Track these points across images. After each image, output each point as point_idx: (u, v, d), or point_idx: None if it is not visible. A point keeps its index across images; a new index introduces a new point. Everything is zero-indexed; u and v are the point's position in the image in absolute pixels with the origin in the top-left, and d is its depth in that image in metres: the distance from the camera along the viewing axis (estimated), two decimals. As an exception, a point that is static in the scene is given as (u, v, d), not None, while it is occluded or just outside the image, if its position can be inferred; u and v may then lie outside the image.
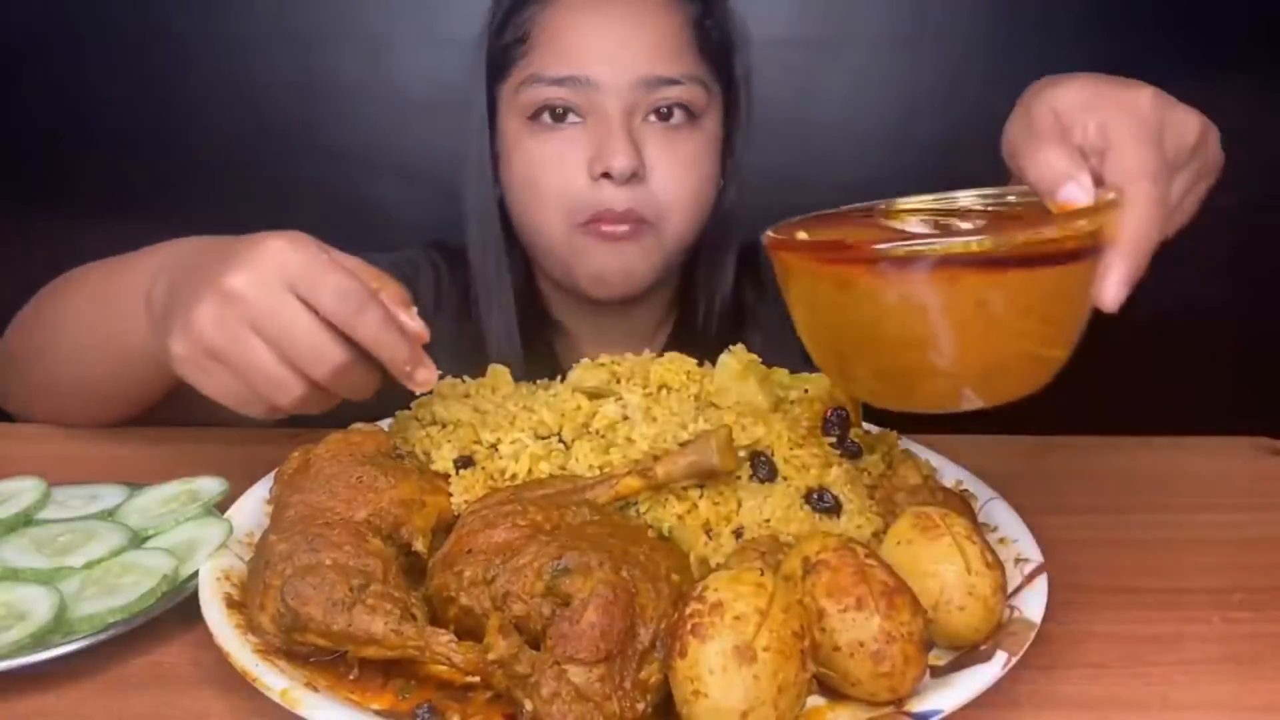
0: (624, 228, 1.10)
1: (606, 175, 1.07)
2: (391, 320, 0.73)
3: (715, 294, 1.26)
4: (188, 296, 0.74)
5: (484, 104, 1.16)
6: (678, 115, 1.11)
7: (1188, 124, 0.68)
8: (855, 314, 0.66)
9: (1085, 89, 0.68)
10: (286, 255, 0.72)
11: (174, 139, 1.93)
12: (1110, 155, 0.65)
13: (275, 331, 0.71)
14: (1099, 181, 0.65)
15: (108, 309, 0.94)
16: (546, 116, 1.10)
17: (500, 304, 1.21)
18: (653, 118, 1.10)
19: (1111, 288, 0.63)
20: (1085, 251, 0.63)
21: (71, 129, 1.93)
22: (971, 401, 0.69)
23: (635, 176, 1.08)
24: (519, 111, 1.11)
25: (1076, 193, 0.64)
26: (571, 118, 1.10)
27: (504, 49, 1.14)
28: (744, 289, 1.29)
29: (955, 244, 0.62)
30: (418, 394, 0.81)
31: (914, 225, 0.71)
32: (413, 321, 0.76)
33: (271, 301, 0.71)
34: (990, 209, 0.72)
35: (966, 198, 0.72)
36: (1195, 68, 1.80)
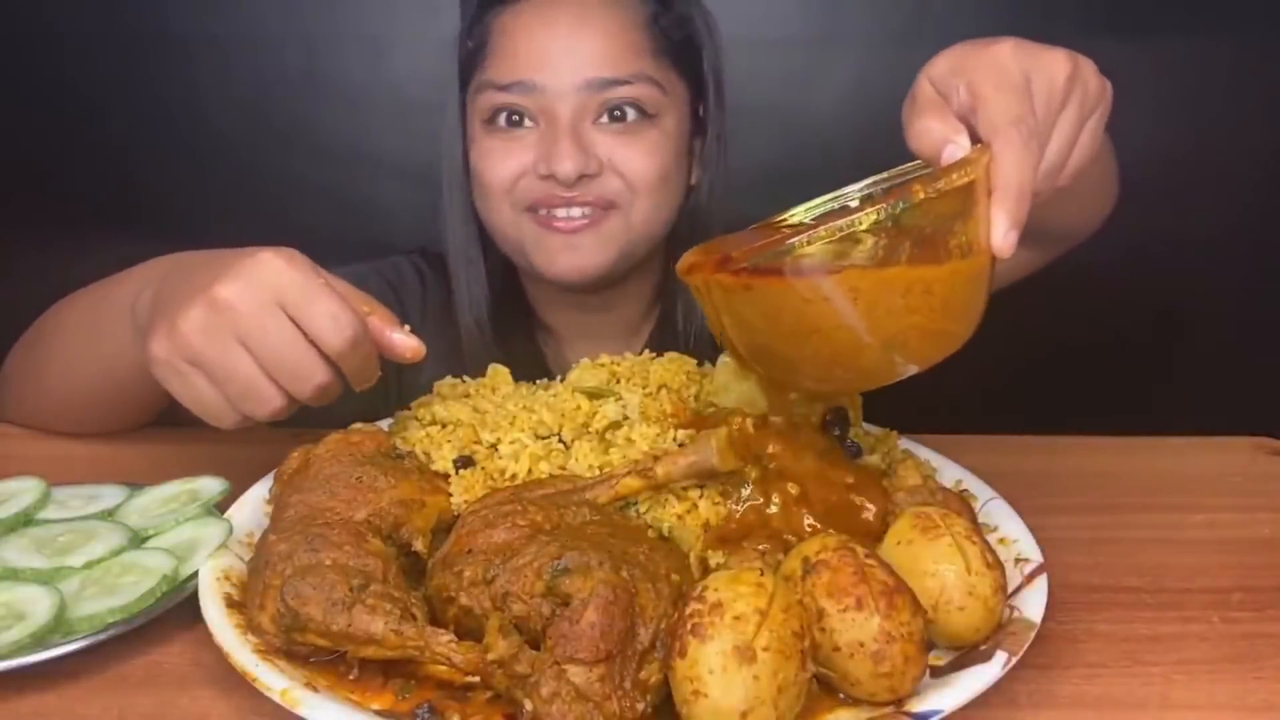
0: (580, 220, 1.11)
1: (552, 177, 1.08)
2: (373, 350, 0.76)
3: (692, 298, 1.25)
4: (176, 302, 0.74)
5: (457, 108, 1.18)
6: (632, 114, 1.10)
7: (1054, 63, 0.69)
8: (749, 316, 0.72)
9: (953, 55, 0.71)
10: (281, 272, 0.72)
11: (174, 139, 1.93)
12: (978, 110, 0.67)
13: (262, 345, 0.71)
14: (977, 139, 0.67)
15: (97, 326, 0.95)
16: (502, 121, 1.11)
17: (471, 302, 1.22)
18: (605, 118, 1.10)
19: (998, 233, 0.66)
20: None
21: (72, 129, 1.93)
22: (895, 372, 0.74)
23: (586, 177, 1.09)
24: (476, 115, 1.13)
25: (956, 153, 0.67)
26: (526, 123, 1.10)
27: (469, 55, 1.16)
28: None
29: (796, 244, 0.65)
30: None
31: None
32: (408, 339, 0.77)
33: (262, 315, 0.71)
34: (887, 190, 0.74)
35: (860, 188, 0.74)
36: (1195, 68, 1.80)
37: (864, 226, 0.64)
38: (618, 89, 1.08)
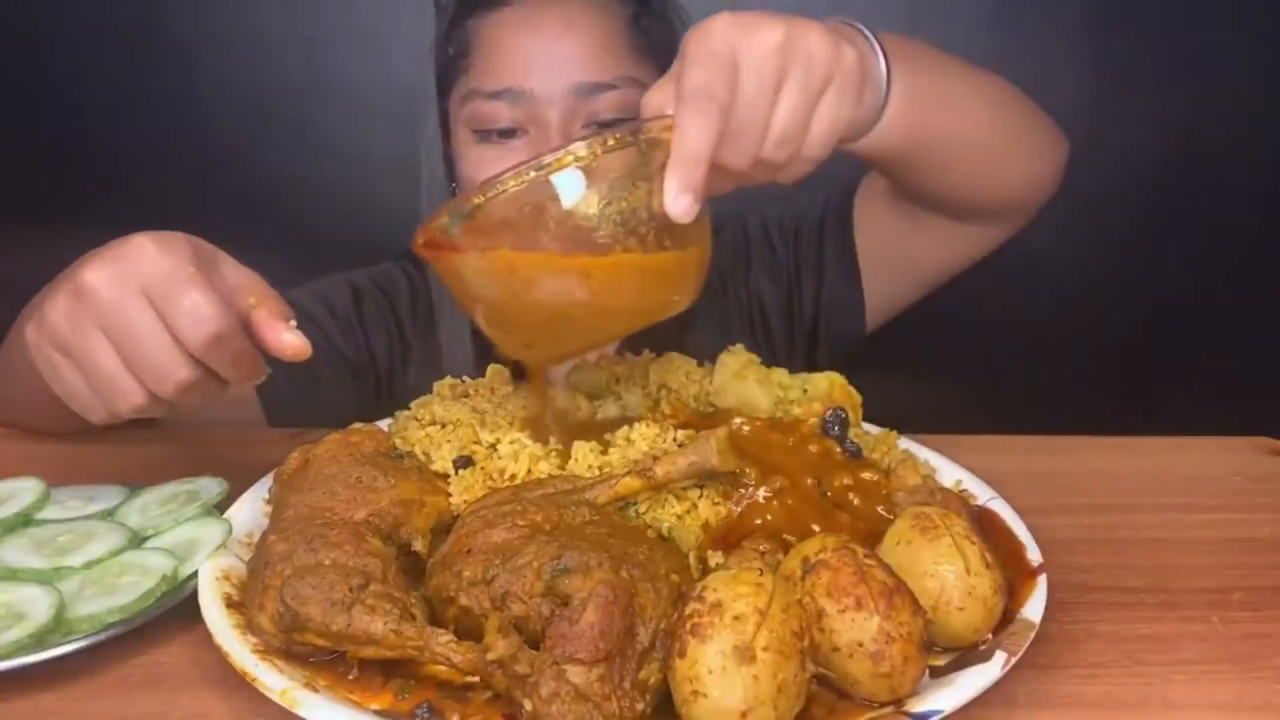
0: None
1: None
2: (246, 349, 0.71)
3: None
4: (51, 289, 0.72)
5: (435, 116, 1.17)
6: (620, 122, 1.10)
7: (763, 34, 0.70)
8: (453, 286, 0.76)
9: (690, 32, 0.72)
10: (149, 259, 0.68)
11: (173, 139, 1.93)
12: (679, 85, 0.69)
13: (123, 335, 0.68)
14: None
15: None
16: (495, 135, 1.10)
17: (453, 309, 1.21)
18: (594, 125, 1.09)
19: (668, 196, 0.68)
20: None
21: (72, 129, 1.93)
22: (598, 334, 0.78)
23: None
24: (464, 124, 1.12)
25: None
26: (518, 133, 1.09)
27: (449, 62, 1.15)
28: None
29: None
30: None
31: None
32: (292, 336, 0.72)
33: (123, 303, 0.68)
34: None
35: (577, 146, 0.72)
36: (1195, 68, 1.80)
37: (511, 189, 0.67)
38: (606, 94, 1.08)
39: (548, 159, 0.68)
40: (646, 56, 1.13)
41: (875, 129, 0.83)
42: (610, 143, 0.68)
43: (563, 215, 0.68)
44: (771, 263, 1.29)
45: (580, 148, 0.68)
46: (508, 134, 1.09)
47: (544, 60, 1.07)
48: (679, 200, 0.68)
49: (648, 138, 0.69)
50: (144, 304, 0.68)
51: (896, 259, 1.21)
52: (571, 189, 0.68)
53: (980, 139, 0.98)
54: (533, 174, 0.67)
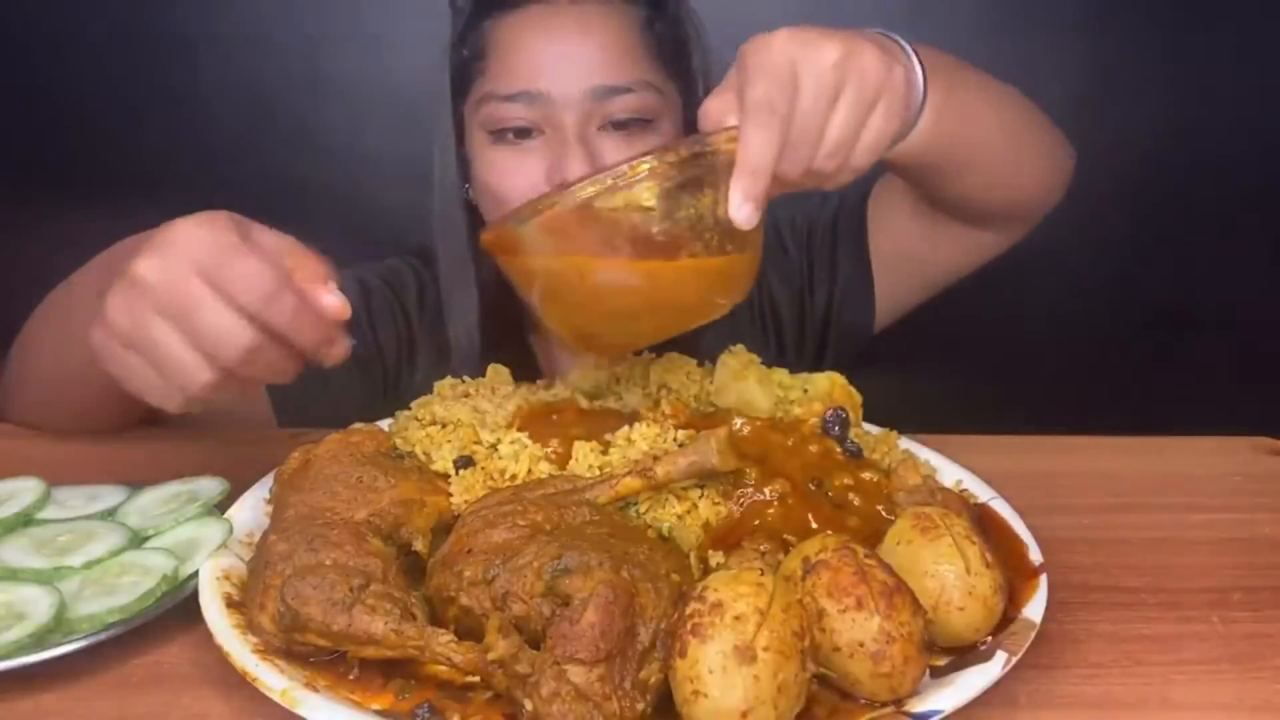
0: None
1: (564, 185, 1.08)
2: (303, 305, 0.71)
3: None
4: (107, 288, 0.72)
5: (449, 117, 1.17)
6: (633, 124, 1.11)
7: (822, 51, 0.73)
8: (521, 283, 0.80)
9: (749, 44, 0.75)
10: (194, 239, 0.70)
11: (176, 139, 1.93)
12: (743, 97, 0.72)
13: (180, 315, 0.69)
14: None
15: (69, 322, 0.93)
16: (510, 135, 1.10)
17: (461, 305, 1.22)
18: (610, 127, 1.10)
19: (732, 204, 0.71)
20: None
21: (73, 129, 1.93)
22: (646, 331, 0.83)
23: None
24: (480, 126, 1.12)
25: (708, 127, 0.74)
26: (534, 134, 1.09)
27: (463, 65, 1.15)
28: None
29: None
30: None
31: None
32: (332, 297, 0.73)
33: (176, 285, 0.69)
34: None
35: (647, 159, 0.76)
36: (1196, 67, 1.80)
37: (586, 195, 0.71)
38: (622, 98, 1.08)
39: (623, 168, 0.72)
40: (660, 60, 1.14)
41: (907, 138, 0.85)
42: (681, 154, 0.72)
43: (633, 221, 0.72)
44: (784, 263, 1.31)
45: (653, 159, 0.71)
46: (523, 135, 1.10)
47: (560, 63, 1.08)
48: (743, 209, 0.71)
49: (713, 149, 0.72)
50: (198, 282, 0.69)
51: (907, 261, 1.24)
52: (643, 197, 0.72)
53: (997, 146, 1.01)
54: (610, 182, 0.71)
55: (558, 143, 1.08)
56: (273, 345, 0.71)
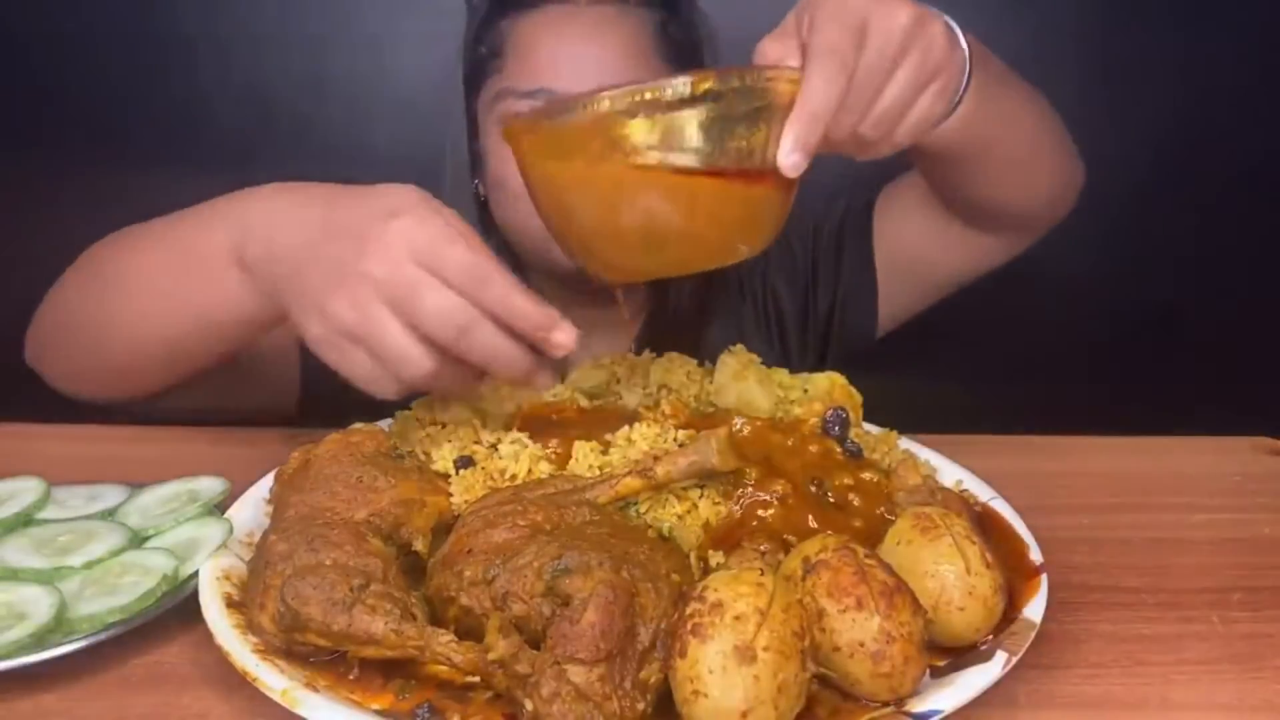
0: None
1: None
2: (517, 288, 0.74)
3: (685, 281, 1.26)
4: (316, 279, 0.76)
5: (462, 113, 1.18)
6: None
7: (893, 14, 0.72)
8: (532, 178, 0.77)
9: None
10: (413, 232, 0.73)
11: (177, 138, 1.93)
12: (808, 40, 0.71)
13: (401, 302, 0.72)
14: None
15: (189, 274, 0.90)
16: None
17: None
18: None
19: (784, 149, 0.69)
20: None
21: (73, 129, 1.93)
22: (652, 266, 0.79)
23: None
24: (495, 122, 1.12)
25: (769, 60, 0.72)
26: None
27: (480, 61, 1.15)
28: (711, 280, 1.30)
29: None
30: (557, 356, 0.79)
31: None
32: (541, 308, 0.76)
33: (402, 279, 0.72)
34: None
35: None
36: (1197, 67, 1.80)
37: (649, 97, 0.68)
38: None
39: (680, 82, 0.68)
40: (673, 62, 1.14)
41: (942, 125, 0.85)
42: (743, 82, 0.69)
43: (680, 138, 0.69)
44: (788, 263, 1.31)
45: (715, 81, 0.68)
46: None
47: (578, 62, 1.08)
48: (793, 155, 0.69)
49: (773, 86, 0.69)
50: (421, 273, 0.72)
51: (912, 266, 1.24)
52: (696, 116, 0.69)
53: (1021, 148, 1.02)
54: (668, 92, 0.68)
55: None
56: (490, 327, 0.74)
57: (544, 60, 1.09)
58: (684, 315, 1.26)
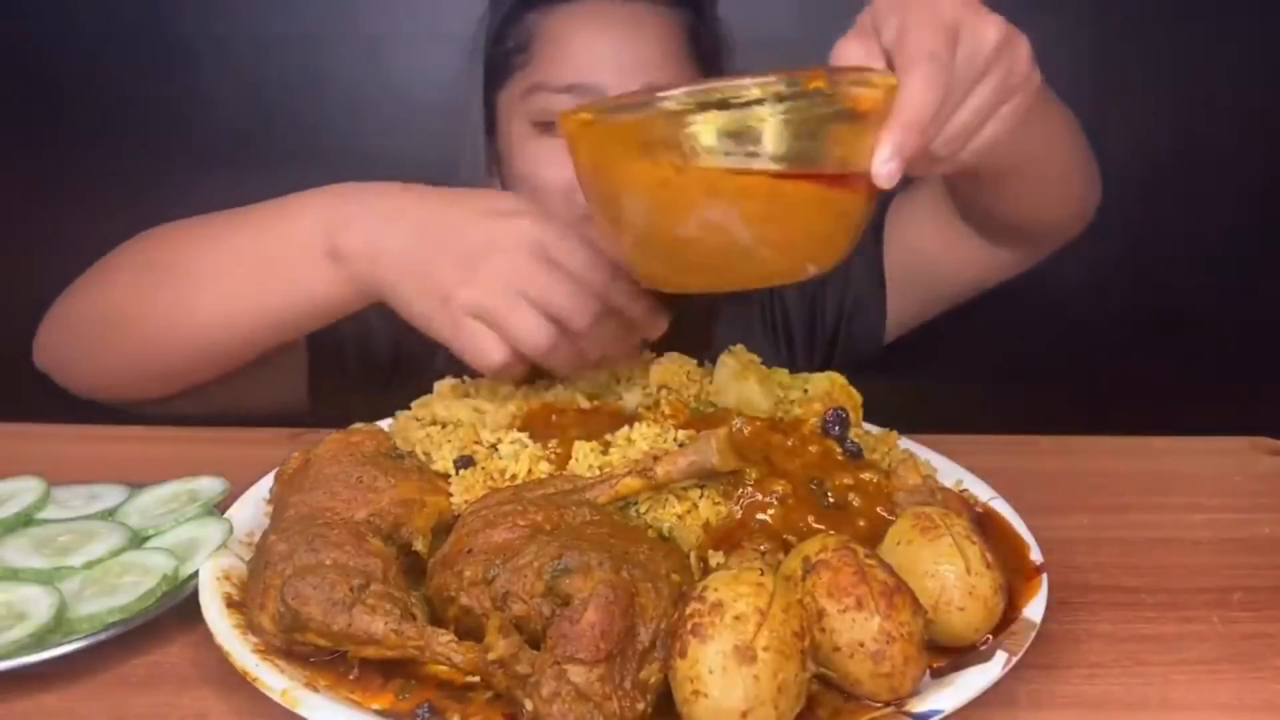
0: None
1: None
2: (632, 284, 0.83)
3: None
4: (446, 273, 0.83)
5: (480, 109, 1.17)
6: None
7: (987, 26, 0.69)
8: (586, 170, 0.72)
9: None
10: (535, 230, 0.83)
11: (178, 139, 1.93)
12: (900, 42, 0.67)
13: (541, 295, 0.81)
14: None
15: (276, 266, 0.92)
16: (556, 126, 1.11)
17: None
18: None
19: (880, 157, 0.64)
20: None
21: (71, 129, 1.92)
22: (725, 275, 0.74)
23: None
24: (524, 118, 1.12)
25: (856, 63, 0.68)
26: None
27: (503, 56, 1.15)
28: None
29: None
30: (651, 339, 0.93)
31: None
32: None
33: (533, 271, 0.82)
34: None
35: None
36: (1197, 68, 1.80)
37: (742, 99, 0.62)
38: None
39: (760, 79, 0.62)
40: (699, 65, 1.15)
41: None
42: (835, 86, 0.63)
43: (758, 141, 0.63)
44: None
45: (801, 78, 0.62)
46: None
47: (615, 58, 1.09)
48: (889, 163, 0.64)
49: (865, 87, 0.64)
50: (549, 265, 0.82)
51: (925, 275, 1.24)
52: (776, 116, 0.63)
53: (1056, 167, 1.02)
54: (750, 90, 0.62)
55: None
56: (613, 318, 0.85)
57: (580, 54, 1.09)
58: (692, 318, 1.26)
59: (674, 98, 0.63)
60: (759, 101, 0.62)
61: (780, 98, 0.62)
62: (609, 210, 0.71)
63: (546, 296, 0.81)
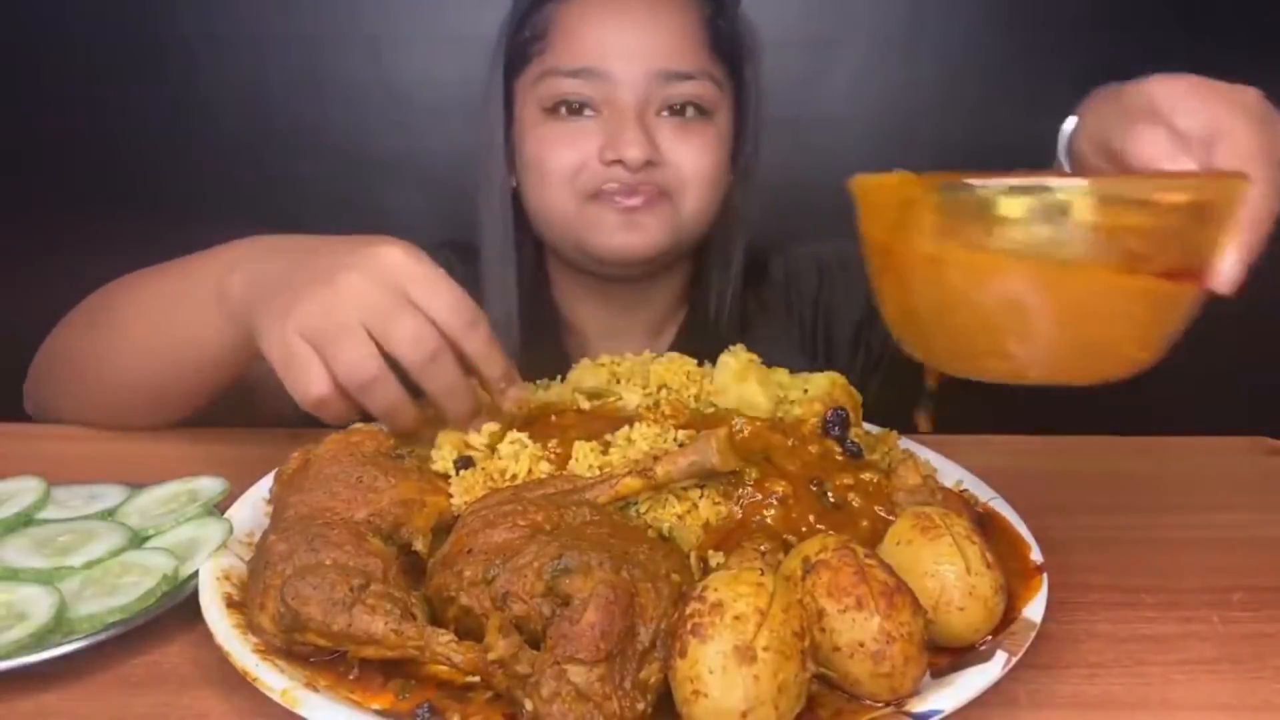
0: (638, 200, 1.12)
1: (618, 163, 1.10)
2: (494, 339, 0.78)
3: (726, 290, 1.27)
4: (294, 286, 0.77)
5: (500, 98, 1.19)
6: (691, 110, 1.13)
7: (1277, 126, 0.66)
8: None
9: (1183, 81, 0.67)
10: (404, 263, 0.76)
11: (180, 140, 1.94)
12: (1223, 141, 0.64)
13: (382, 324, 0.74)
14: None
15: (177, 308, 0.94)
16: (563, 110, 1.12)
17: (503, 293, 1.23)
18: (666, 113, 1.12)
19: (1227, 263, 0.62)
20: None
21: (71, 130, 1.93)
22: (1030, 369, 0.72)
23: (649, 164, 1.11)
24: (535, 103, 1.14)
25: (1188, 164, 0.64)
26: (587, 112, 1.12)
27: (522, 45, 1.17)
28: (748, 299, 1.31)
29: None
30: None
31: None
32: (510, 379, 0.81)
33: (384, 299, 0.75)
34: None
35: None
36: (1194, 68, 1.80)
37: (1072, 200, 0.59)
38: (683, 84, 1.11)
39: (1130, 185, 0.62)
40: (718, 53, 1.15)
41: None
42: (1183, 196, 0.61)
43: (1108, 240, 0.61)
44: (847, 292, 1.31)
45: (1143, 187, 0.61)
46: (577, 112, 1.12)
47: (626, 44, 1.10)
48: (1236, 268, 0.63)
49: (1214, 196, 0.61)
50: (406, 301, 0.76)
51: None
52: (1124, 220, 0.61)
53: None
54: (1106, 191, 0.60)
55: (614, 122, 1.09)
56: (455, 362, 0.78)
57: (591, 40, 1.11)
58: (723, 327, 1.26)
59: (1007, 189, 0.61)
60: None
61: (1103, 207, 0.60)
62: (888, 287, 0.68)
63: (386, 328, 0.75)
